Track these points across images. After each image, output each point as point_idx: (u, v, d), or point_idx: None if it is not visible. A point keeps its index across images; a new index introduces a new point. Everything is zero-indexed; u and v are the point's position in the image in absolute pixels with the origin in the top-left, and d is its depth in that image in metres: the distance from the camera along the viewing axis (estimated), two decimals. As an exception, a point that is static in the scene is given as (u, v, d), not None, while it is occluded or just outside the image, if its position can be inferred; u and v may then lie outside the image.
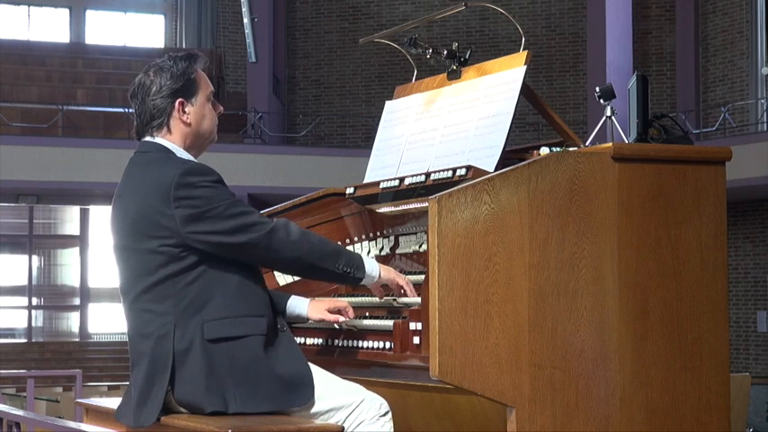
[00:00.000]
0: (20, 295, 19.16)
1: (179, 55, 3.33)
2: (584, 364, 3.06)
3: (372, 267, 3.32)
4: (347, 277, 3.29)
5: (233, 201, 3.15)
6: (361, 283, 3.32)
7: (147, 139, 3.30)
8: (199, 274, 3.14)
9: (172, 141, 3.27)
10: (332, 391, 3.20)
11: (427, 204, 2.97)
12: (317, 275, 3.38)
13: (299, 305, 3.48)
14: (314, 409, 3.17)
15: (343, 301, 3.46)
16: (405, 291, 3.39)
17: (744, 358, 17.20)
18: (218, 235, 3.11)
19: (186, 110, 3.28)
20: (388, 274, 3.37)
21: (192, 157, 3.28)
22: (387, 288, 3.45)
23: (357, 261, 3.29)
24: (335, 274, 3.27)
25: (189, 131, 3.30)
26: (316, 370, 3.22)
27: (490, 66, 3.73)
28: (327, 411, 3.18)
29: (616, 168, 3.15)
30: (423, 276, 3.29)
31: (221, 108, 3.40)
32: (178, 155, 3.25)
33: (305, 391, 3.15)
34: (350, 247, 4.00)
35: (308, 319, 3.54)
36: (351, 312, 3.41)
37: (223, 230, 3.11)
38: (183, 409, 3.17)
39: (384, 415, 3.22)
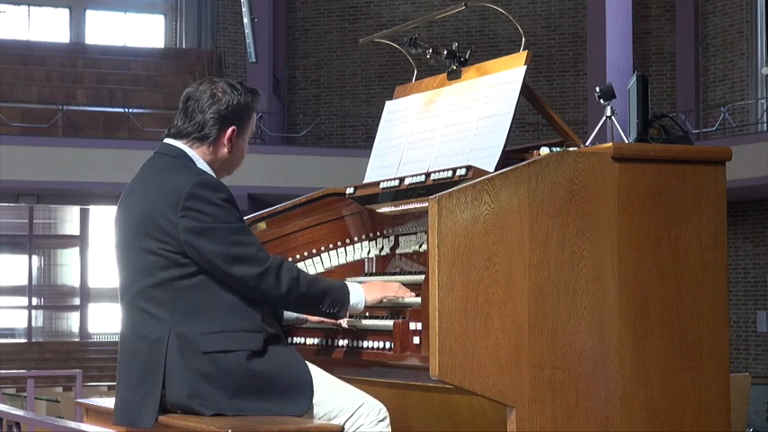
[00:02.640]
0: (20, 295, 19.14)
1: (247, 86, 3.33)
2: (584, 364, 3.06)
3: (358, 300, 3.31)
4: (332, 315, 3.31)
5: (237, 226, 3.14)
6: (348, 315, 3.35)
7: (173, 142, 3.29)
8: (199, 282, 3.13)
9: (199, 155, 3.27)
10: (331, 395, 3.20)
11: (427, 204, 2.96)
12: (302, 313, 3.46)
13: (298, 306, 3.49)
14: (313, 413, 3.17)
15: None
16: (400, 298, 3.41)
17: (744, 358, 17.19)
18: (213, 256, 3.10)
19: (234, 140, 3.29)
20: (374, 296, 3.35)
21: (209, 170, 3.27)
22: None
23: (342, 299, 3.29)
24: (320, 313, 3.30)
25: (225, 159, 3.31)
26: (316, 373, 3.22)
27: (490, 66, 3.72)
28: (325, 415, 3.18)
29: (616, 168, 3.15)
30: (423, 276, 3.29)
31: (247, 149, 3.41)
32: (197, 164, 3.25)
33: (302, 401, 3.15)
34: (350, 247, 4.00)
35: (306, 320, 3.54)
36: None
37: (219, 253, 3.10)
38: (178, 411, 3.17)
39: (382, 420, 3.23)
